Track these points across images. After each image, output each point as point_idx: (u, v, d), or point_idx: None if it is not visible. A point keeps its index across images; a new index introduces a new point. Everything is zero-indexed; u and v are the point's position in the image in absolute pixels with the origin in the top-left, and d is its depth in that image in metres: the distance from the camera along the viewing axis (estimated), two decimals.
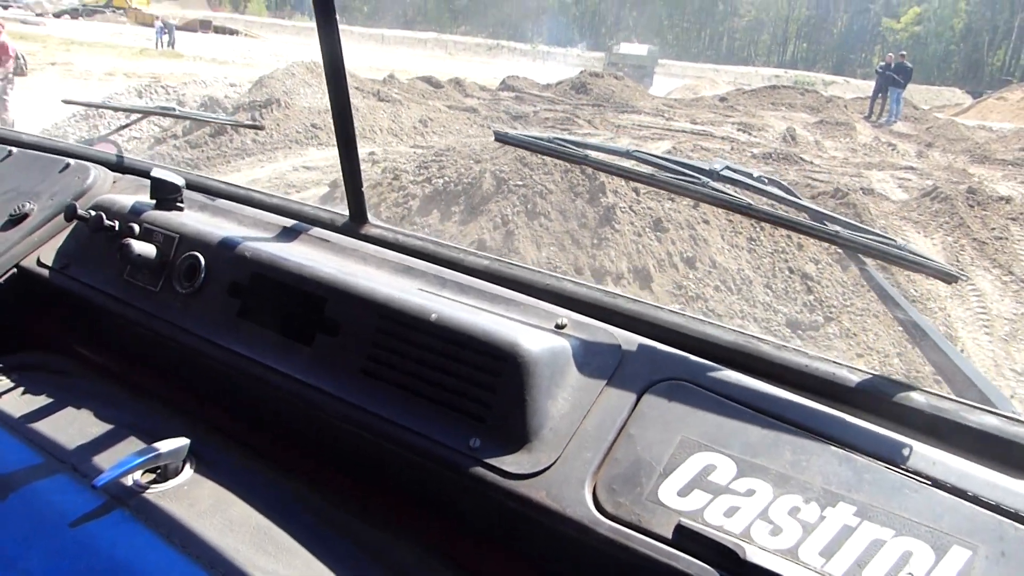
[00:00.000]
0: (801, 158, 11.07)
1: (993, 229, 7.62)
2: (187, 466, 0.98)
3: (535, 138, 1.18)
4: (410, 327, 0.98)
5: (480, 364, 0.93)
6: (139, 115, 2.06)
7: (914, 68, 18.55)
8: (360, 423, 0.96)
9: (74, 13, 43.00)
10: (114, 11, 43.63)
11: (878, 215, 7.52)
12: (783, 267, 6.36)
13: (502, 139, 1.20)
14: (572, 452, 0.87)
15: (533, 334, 0.95)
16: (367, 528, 0.95)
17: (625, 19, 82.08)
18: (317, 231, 1.28)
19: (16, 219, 1.42)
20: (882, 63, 19.30)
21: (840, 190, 7.84)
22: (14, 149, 1.67)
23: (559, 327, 1.01)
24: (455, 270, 1.17)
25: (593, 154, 1.14)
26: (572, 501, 0.83)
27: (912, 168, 11.58)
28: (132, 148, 8.11)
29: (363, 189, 1.33)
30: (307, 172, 8.01)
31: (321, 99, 10.71)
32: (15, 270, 1.37)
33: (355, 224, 1.34)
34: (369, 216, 1.35)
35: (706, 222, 6.65)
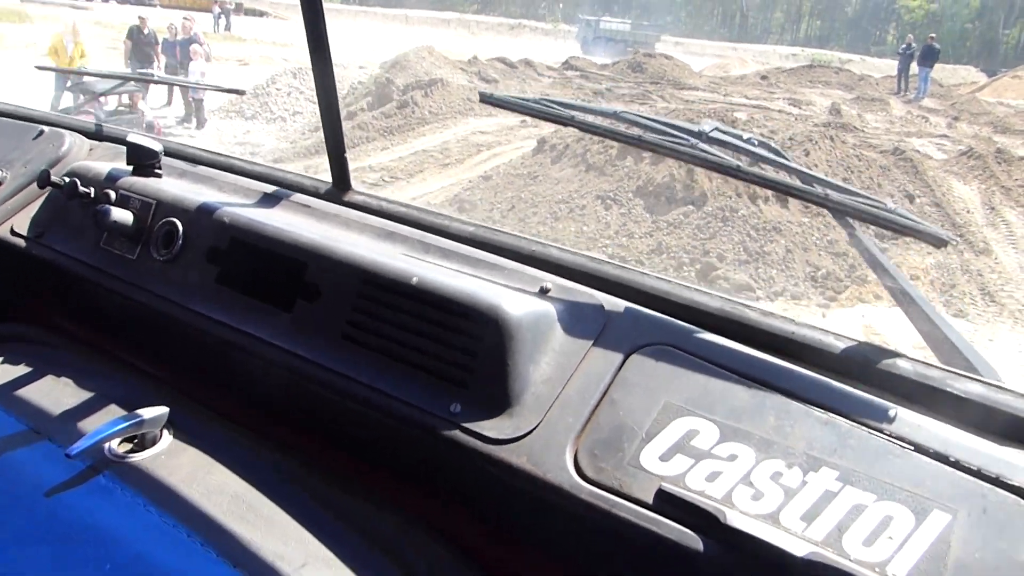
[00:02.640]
0: (854, 127, 13.53)
1: (1016, 180, 10.12)
2: (166, 434, 1.00)
3: (521, 99, 1.19)
4: (391, 291, 0.99)
5: (462, 328, 0.94)
6: (118, 81, 2.02)
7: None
8: (340, 389, 0.98)
9: None
10: None
11: (929, 167, 9.99)
12: None
13: (487, 100, 1.21)
14: (554, 417, 0.89)
15: (516, 297, 0.97)
16: (347, 496, 0.97)
17: None
18: (299, 197, 1.30)
19: None
20: (903, 45, 21.81)
21: (898, 148, 10.30)
22: None
23: (543, 291, 1.02)
24: (440, 236, 1.19)
25: (579, 115, 1.15)
26: (553, 466, 0.85)
27: (945, 136, 14.03)
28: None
29: (346, 155, 1.34)
30: (483, 136, 10.45)
31: (455, 77, 13.09)
32: None
33: (338, 191, 1.36)
34: (352, 183, 1.36)
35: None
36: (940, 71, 23.50)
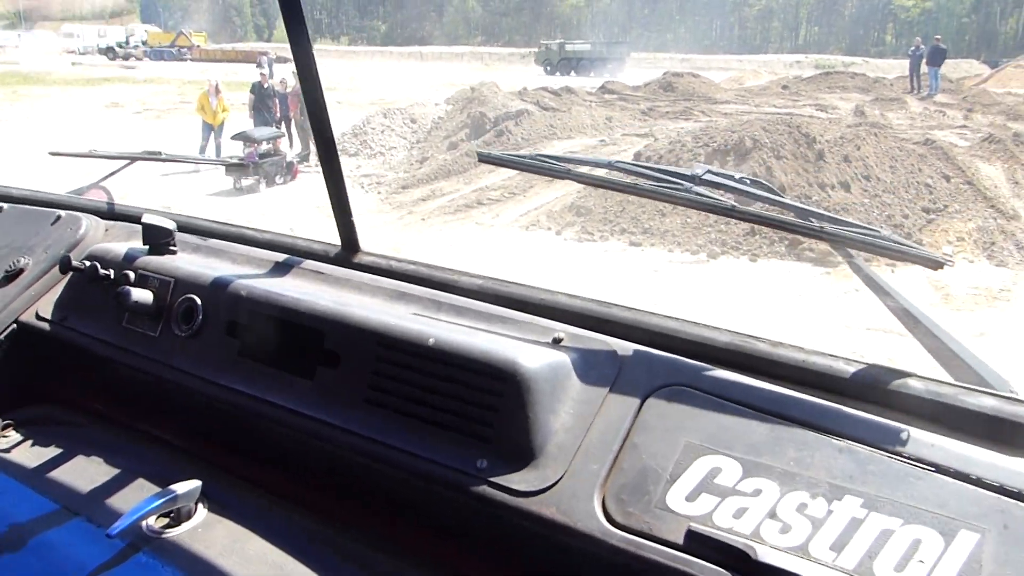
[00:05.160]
0: (883, 125, 15.51)
1: None
2: (200, 507, 1.04)
3: (518, 156, 1.24)
4: (409, 353, 1.03)
5: (481, 385, 0.98)
6: (127, 161, 2.01)
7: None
8: (367, 452, 1.02)
9: (111, 54, 47.59)
10: (179, 50, 48.57)
11: (957, 153, 11.92)
12: None
13: (486, 159, 1.26)
14: (579, 465, 0.91)
15: (531, 350, 1.01)
16: (383, 555, 1.00)
17: (637, 16, 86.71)
18: (310, 263, 1.34)
19: (12, 275, 1.49)
20: (912, 47, 24.07)
21: (929, 139, 12.25)
22: (4, 205, 1.74)
23: (556, 341, 1.06)
24: (449, 292, 1.23)
25: (576, 168, 1.20)
26: (582, 514, 0.87)
27: (964, 127, 16.00)
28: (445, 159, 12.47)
29: (352, 219, 1.38)
30: (574, 155, 12.41)
31: (520, 107, 15.20)
32: (15, 325, 1.43)
33: (347, 253, 1.40)
34: (360, 244, 1.40)
35: None
36: (944, 66, 25.56)
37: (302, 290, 1.22)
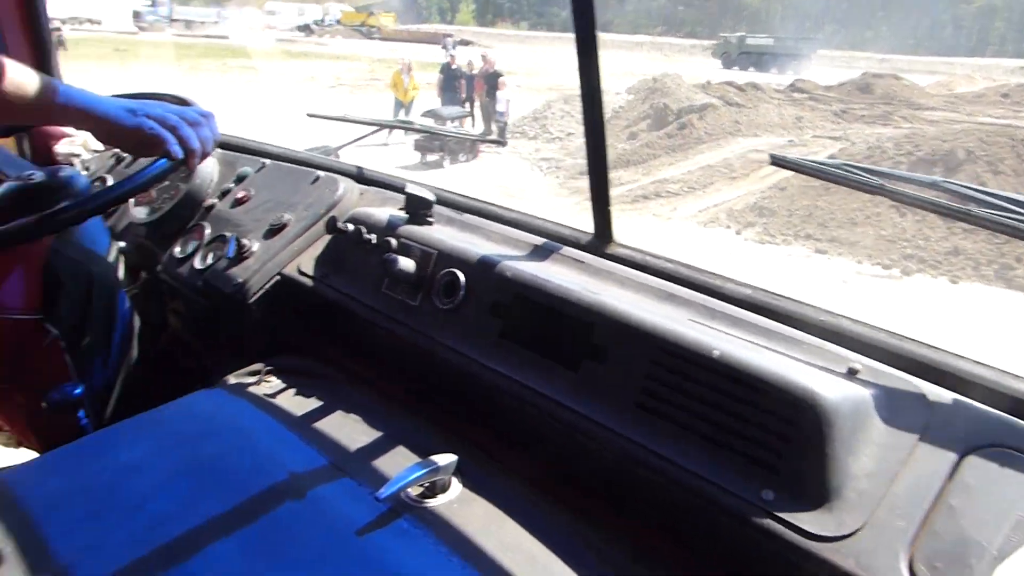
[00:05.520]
0: None
1: None
2: (455, 482, 1.04)
3: (818, 163, 1.15)
4: (689, 361, 0.98)
5: (770, 409, 0.91)
6: (375, 128, 2.12)
7: None
8: (635, 457, 0.98)
9: (307, 31, 51.37)
10: (368, 29, 51.80)
11: None
12: None
13: (779, 163, 1.17)
14: (882, 517, 0.83)
15: (828, 380, 0.92)
16: (641, 570, 0.96)
17: (833, 11, 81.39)
18: (567, 250, 1.32)
19: (276, 228, 1.58)
20: None
21: None
22: (267, 161, 1.86)
23: (851, 372, 0.96)
24: (714, 297, 1.17)
25: (891, 183, 1.08)
26: (886, 573, 0.79)
27: None
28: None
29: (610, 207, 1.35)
30: (759, 154, 12.05)
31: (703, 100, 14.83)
32: (278, 277, 1.51)
33: (600, 242, 1.37)
34: (614, 234, 1.37)
35: None
36: None
37: (566, 278, 1.20)
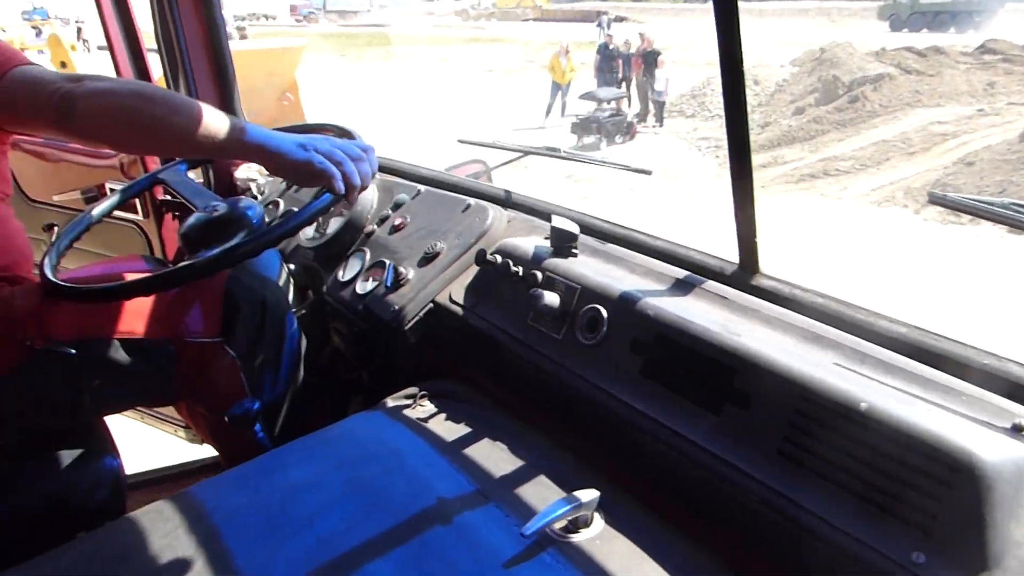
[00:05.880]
0: None
1: None
2: (597, 518, 1.06)
3: (980, 201, 1.06)
4: (835, 413, 0.95)
5: (922, 467, 0.86)
6: (520, 154, 2.13)
7: None
8: (776, 507, 0.96)
9: (464, 16, 52.39)
10: (523, 11, 52.57)
11: None
12: None
13: (938, 201, 1.12)
14: None
15: (988, 437, 0.86)
16: None
17: None
18: (711, 285, 1.31)
19: (430, 257, 1.68)
20: None
21: None
22: (421, 188, 1.95)
23: (1016, 429, 0.89)
24: (864, 338, 1.11)
25: None
26: None
27: None
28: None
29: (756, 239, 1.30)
30: (942, 125, 11.23)
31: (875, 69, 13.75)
32: (431, 304, 1.61)
33: (745, 274, 1.34)
34: (759, 264, 1.33)
35: None
36: None
37: (708, 317, 1.19)
